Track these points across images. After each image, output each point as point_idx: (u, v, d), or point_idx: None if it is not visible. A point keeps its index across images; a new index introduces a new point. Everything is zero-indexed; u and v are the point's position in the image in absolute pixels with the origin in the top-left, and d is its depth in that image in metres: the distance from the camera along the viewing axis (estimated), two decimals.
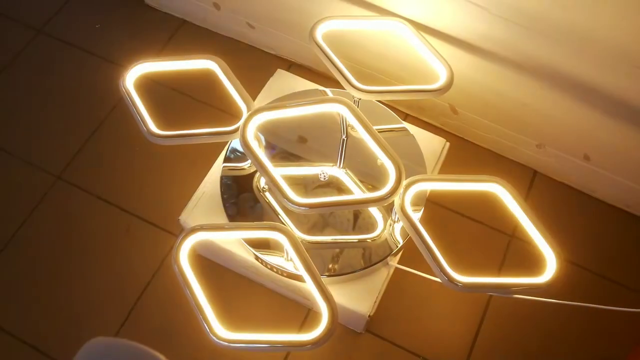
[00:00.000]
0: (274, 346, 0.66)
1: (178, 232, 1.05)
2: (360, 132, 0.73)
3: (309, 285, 0.68)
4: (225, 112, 1.16)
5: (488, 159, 1.13)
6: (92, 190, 1.09)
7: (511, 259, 1.03)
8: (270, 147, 0.92)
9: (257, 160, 0.71)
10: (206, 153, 0.99)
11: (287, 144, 0.93)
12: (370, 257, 0.83)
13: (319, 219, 0.87)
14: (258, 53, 1.25)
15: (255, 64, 1.22)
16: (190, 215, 0.88)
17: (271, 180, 0.70)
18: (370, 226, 0.87)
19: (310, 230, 0.86)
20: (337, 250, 0.85)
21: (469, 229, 1.06)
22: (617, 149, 0.97)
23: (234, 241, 0.87)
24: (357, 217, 0.88)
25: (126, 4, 1.32)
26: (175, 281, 0.99)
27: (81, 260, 1.03)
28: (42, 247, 1.04)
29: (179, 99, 1.18)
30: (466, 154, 1.13)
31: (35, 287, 1.00)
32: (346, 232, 0.86)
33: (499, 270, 1.02)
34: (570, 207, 1.09)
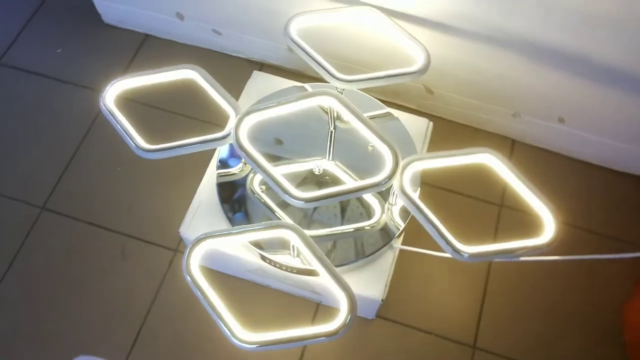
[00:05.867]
0: (298, 341, 0.67)
1: (174, 246, 1.04)
2: (351, 121, 0.74)
3: (323, 277, 0.69)
4: (206, 122, 1.15)
5: (467, 134, 1.16)
6: (80, 217, 1.07)
7: (503, 227, 1.07)
8: None
9: (254, 161, 0.71)
10: (189, 166, 0.99)
11: (268, 148, 0.93)
12: (374, 243, 0.85)
13: (309, 218, 0.88)
14: (228, 59, 1.24)
15: (226, 70, 1.22)
16: (190, 227, 0.87)
17: (271, 178, 0.70)
18: (359, 216, 0.88)
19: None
20: (341, 241, 0.85)
21: (459, 203, 1.09)
22: (588, 108, 1.01)
23: (238, 245, 0.86)
24: (345, 208, 0.88)
25: (85, 25, 1.29)
26: (181, 295, 0.99)
27: (80, 288, 1.00)
28: (37, 281, 1.01)
29: (157, 115, 1.17)
30: (446, 132, 1.16)
31: (37, 322, 0.97)
32: (341, 224, 0.87)
33: (494, 239, 1.05)
34: (550, 170, 1.13)
